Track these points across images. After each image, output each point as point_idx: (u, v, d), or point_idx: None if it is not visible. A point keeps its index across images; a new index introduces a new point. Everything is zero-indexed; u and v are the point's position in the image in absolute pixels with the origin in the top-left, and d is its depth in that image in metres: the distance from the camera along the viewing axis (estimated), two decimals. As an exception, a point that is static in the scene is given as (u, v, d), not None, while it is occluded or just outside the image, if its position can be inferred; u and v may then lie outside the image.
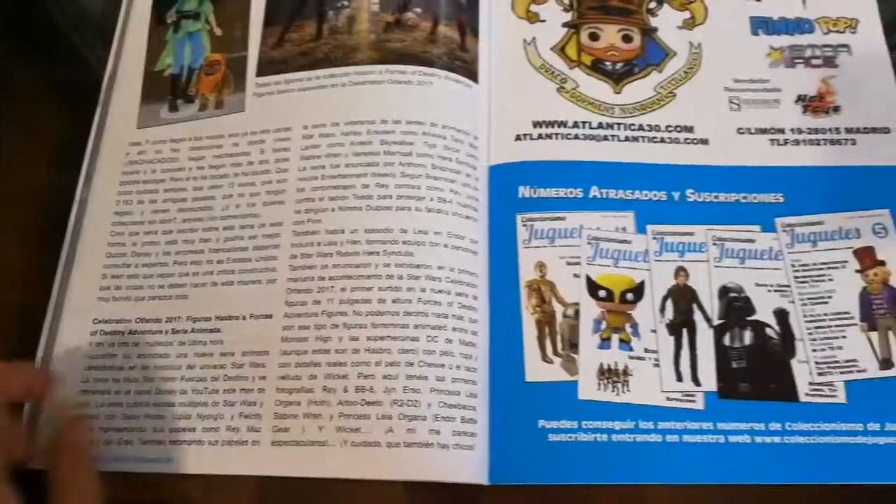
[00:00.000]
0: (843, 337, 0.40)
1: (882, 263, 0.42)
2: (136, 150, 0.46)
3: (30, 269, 0.44)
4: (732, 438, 0.38)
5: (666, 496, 0.38)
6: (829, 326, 0.41)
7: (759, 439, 0.38)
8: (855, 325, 0.41)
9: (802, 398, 0.39)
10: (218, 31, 0.49)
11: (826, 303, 0.41)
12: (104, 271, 0.43)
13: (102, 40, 0.50)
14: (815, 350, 0.40)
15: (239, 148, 0.45)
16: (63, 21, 0.53)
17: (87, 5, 0.54)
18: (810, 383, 0.39)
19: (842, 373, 0.39)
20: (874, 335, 0.40)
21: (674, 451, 0.38)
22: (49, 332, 0.42)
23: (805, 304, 0.41)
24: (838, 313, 0.41)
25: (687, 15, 0.49)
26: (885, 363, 0.40)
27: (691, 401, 0.39)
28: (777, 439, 0.38)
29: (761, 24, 0.49)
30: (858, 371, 0.39)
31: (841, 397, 0.39)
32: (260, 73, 0.47)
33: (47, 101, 0.50)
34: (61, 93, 0.50)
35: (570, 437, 0.38)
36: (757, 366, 0.40)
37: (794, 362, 0.40)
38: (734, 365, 0.40)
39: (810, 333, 0.40)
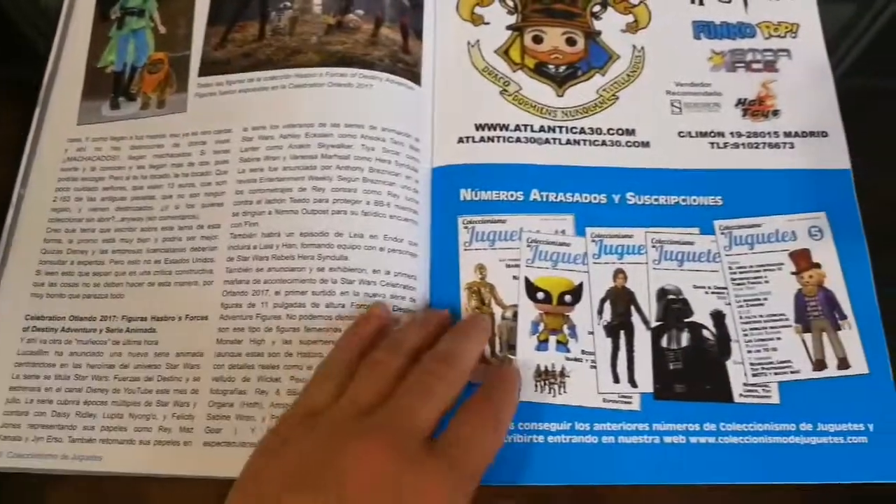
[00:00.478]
0: (778, 339, 0.41)
1: (817, 266, 0.42)
2: (75, 146, 0.45)
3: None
4: (668, 439, 0.38)
5: (623, 496, 0.38)
6: (765, 328, 0.41)
7: (693, 440, 0.38)
8: (790, 326, 0.41)
9: (737, 399, 0.39)
10: (162, 29, 0.49)
11: (762, 304, 0.42)
12: (39, 268, 0.43)
13: (33, 8, 0.50)
14: (750, 351, 0.41)
15: (180, 149, 0.44)
16: (14, 12, 0.53)
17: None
18: (745, 384, 0.40)
19: (776, 374, 0.40)
20: (808, 337, 0.41)
21: (609, 452, 0.38)
22: (-21, 327, 0.41)
23: (741, 306, 0.42)
24: (773, 315, 0.41)
25: (630, 18, 0.50)
26: (819, 364, 0.40)
27: (627, 402, 0.39)
28: (711, 439, 0.38)
29: (703, 29, 0.49)
30: (792, 372, 0.40)
31: (775, 398, 0.39)
32: (202, 73, 0.47)
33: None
34: (9, 87, 0.50)
35: (506, 439, 0.38)
36: (693, 367, 0.40)
37: (729, 363, 0.40)
38: (671, 366, 0.40)
39: (746, 335, 0.41)
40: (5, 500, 0.40)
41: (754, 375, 0.40)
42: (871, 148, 0.46)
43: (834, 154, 0.45)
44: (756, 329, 0.41)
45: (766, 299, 0.42)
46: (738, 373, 0.40)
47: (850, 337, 0.41)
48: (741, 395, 0.40)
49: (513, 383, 0.38)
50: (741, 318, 0.41)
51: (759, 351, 0.41)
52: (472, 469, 0.33)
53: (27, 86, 0.48)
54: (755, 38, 0.49)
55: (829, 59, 0.48)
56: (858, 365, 0.40)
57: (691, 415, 0.39)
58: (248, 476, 0.32)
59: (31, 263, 0.43)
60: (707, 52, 0.49)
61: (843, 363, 0.40)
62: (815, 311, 0.41)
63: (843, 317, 0.41)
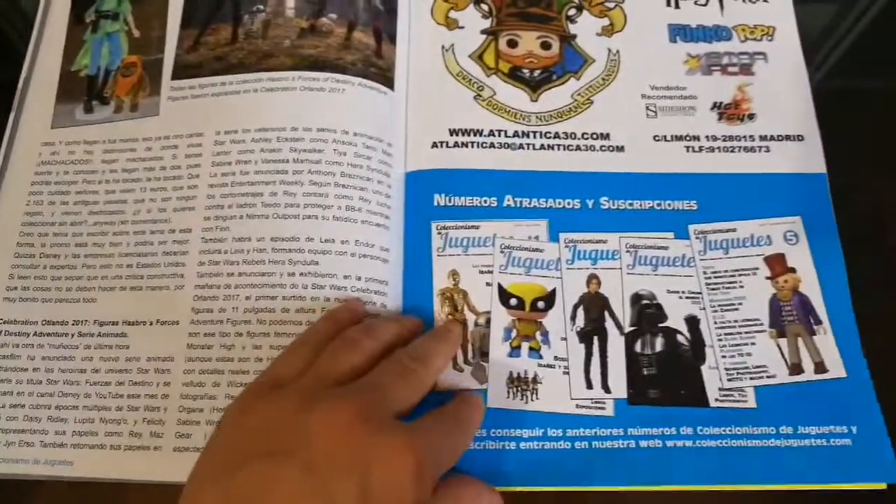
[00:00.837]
0: (753, 343, 0.41)
1: (792, 271, 0.42)
2: (48, 150, 0.45)
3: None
4: (643, 443, 0.38)
5: (605, 496, 0.38)
6: (739, 333, 0.41)
7: (670, 443, 0.38)
8: (764, 331, 0.41)
9: (713, 403, 0.39)
10: (136, 33, 0.48)
11: (737, 309, 0.42)
12: (11, 271, 0.43)
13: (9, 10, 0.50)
14: (724, 356, 0.41)
15: (152, 153, 0.44)
16: None
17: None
18: (720, 389, 0.40)
19: (751, 378, 0.40)
20: (783, 342, 0.41)
21: (583, 457, 0.38)
22: (-49, 331, 0.41)
23: (716, 311, 0.42)
24: (748, 320, 0.41)
25: (606, 22, 0.49)
26: (795, 368, 0.40)
27: (601, 408, 0.39)
28: (689, 443, 0.38)
29: (679, 32, 0.49)
30: (768, 377, 0.40)
31: (751, 402, 0.40)
32: (175, 76, 0.46)
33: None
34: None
35: (478, 446, 0.38)
36: (667, 372, 0.40)
37: (704, 368, 0.40)
38: (644, 372, 0.40)
39: (720, 340, 0.41)
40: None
41: (729, 380, 0.40)
42: (847, 152, 0.46)
43: (810, 158, 0.45)
44: (731, 334, 0.41)
45: (740, 304, 0.42)
46: (713, 377, 0.40)
47: (826, 342, 0.41)
48: (717, 399, 0.40)
49: (480, 406, 0.38)
50: (715, 323, 0.41)
51: (733, 356, 0.41)
52: (440, 458, 0.32)
53: (9, 88, 0.48)
54: (731, 41, 0.49)
55: (806, 62, 0.48)
56: (836, 369, 0.40)
57: (667, 419, 0.39)
58: (213, 446, 0.32)
59: (4, 267, 0.43)
60: (682, 55, 0.48)
61: (820, 367, 0.40)
62: (790, 316, 0.41)
63: (819, 321, 0.41)
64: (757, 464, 0.38)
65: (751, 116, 0.47)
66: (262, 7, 0.48)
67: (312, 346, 0.35)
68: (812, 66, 0.48)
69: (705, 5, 0.50)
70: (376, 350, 0.35)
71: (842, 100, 0.48)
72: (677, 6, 0.50)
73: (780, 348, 0.41)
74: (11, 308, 0.42)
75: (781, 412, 0.39)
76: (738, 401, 0.40)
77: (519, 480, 0.38)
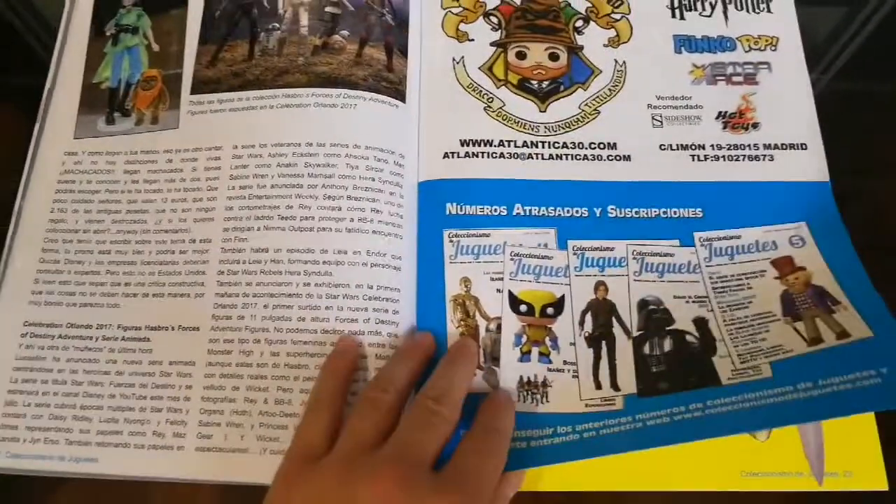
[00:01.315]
0: (767, 331, 0.41)
1: (802, 269, 0.43)
2: (72, 160, 0.47)
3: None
4: (651, 423, 0.39)
5: (608, 498, 0.40)
6: (752, 325, 0.41)
7: (678, 418, 0.38)
8: (778, 320, 0.41)
9: (725, 382, 0.40)
10: (155, 47, 0.50)
11: (746, 307, 0.42)
12: (37, 276, 0.44)
13: (32, 23, 0.52)
14: (737, 346, 0.41)
15: (172, 164, 0.46)
16: (14, 20, 0.54)
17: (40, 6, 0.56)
18: (732, 370, 0.40)
19: (766, 356, 0.40)
20: (800, 324, 0.41)
21: (591, 441, 0.39)
22: (-21, 333, 0.43)
23: (724, 311, 0.42)
24: (760, 314, 0.42)
25: (612, 33, 0.50)
26: (814, 341, 0.40)
27: (611, 404, 0.40)
28: (698, 414, 0.38)
29: (684, 42, 0.50)
30: (784, 352, 0.40)
31: (766, 373, 0.39)
32: (194, 90, 0.48)
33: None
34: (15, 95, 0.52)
35: None
36: (676, 366, 0.41)
37: (715, 359, 0.41)
38: (653, 370, 0.41)
39: (731, 334, 0.41)
40: (14, 502, 0.42)
41: (742, 363, 0.40)
42: (850, 160, 0.46)
43: (814, 166, 0.46)
44: (742, 328, 0.41)
45: (750, 302, 0.42)
46: (724, 364, 0.40)
47: (848, 316, 0.40)
48: (729, 378, 0.40)
49: (510, 409, 0.39)
50: (725, 321, 0.42)
51: (746, 344, 0.41)
52: (481, 496, 0.34)
53: (34, 95, 0.49)
54: (735, 52, 0.50)
55: (809, 72, 0.49)
56: (859, 332, 0.39)
57: (677, 401, 0.39)
58: None
59: (30, 272, 0.44)
60: (688, 65, 0.49)
61: (842, 334, 0.40)
62: (805, 304, 0.42)
63: (837, 302, 0.41)
64: (775, 411, 0.37)
65: (755, 125, 0.47)
66: (277, 25, 0.49)
67: (328, 408, 0.37)
68: (815, 75, 0.49)
69: (710, 16, 0.51)
70: (397, 403, 0.37)
71: (845, 108, 0.49)
72: (682, 17, 0.51)
73: (796, 330, 0.41)
74: (37, 311, 0.43)
75: (800, 375, 0.38)
76: (752, 376, 0.39)
77: (528, 464, 0.39)
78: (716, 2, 0.51)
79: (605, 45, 0.50)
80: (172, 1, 0.51)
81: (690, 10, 0.51)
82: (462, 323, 0.42)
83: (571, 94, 0.48)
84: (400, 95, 0.47)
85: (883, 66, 0.52)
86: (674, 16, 0.51)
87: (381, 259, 0.42)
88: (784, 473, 0.40)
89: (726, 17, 0.51)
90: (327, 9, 0.49)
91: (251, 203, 0.44)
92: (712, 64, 0.49)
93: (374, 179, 0.44)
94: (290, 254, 0.42)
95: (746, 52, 0.50)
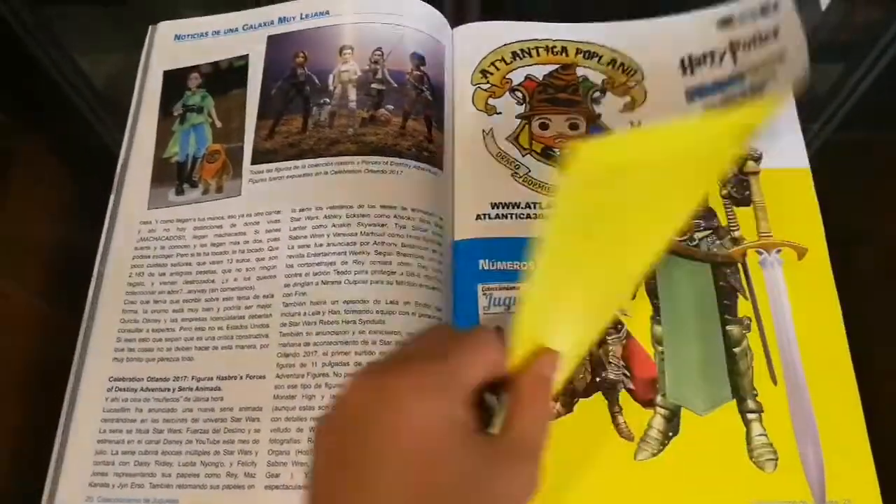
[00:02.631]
0: None
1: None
2: (146, 228, 0.52)
3: (53, 326, 0.52)
4: None
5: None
6: None
7: None
8: None
9: None
10: (218, 124, 0.56)
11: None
12: (118, 335, 0.49)
13: (106, 105, 0.58)
14: None
15: (236, 228, 0.51)
16: (63, 83, 0.60)
17: (89, 68, 0.62)
18: None
19: None
20: None
21: None
22: (72, 389, 0.48)
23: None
24: None
25: (628, 99, 0.55)
26: None
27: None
28: None
29: (697, 92, 0.54)
30: None
31: None
32: (254, 161, 0.53)
33: (55, 165, 0.58)
34: (69, 157, 0.59)
35: None
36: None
37: None
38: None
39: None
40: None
41: None
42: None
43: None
44: None
45: None
46: None
47: None
48: None
49: (553, 367, 0.34)
50: None
51: None
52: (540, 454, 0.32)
53: (89, 153, 0.56)
54: (745, 81, 0.52)
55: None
56: None
57: None
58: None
59: (112, 332, 0.49)
60: (700, 109, 0.53)
61: None
62: None
63: None
64: None
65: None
66: (328, 100, 0.54)
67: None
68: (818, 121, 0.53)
69: (720, 64, 0.54)
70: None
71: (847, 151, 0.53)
72: (692, 73, 0.55)
73: None
74: (120, 367, 0.48)
75: None
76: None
77: None
78: (724, 50, 0.54)
79: (620, 111, 0.54)
80: (233, 82, 0.57)
81: (700, 64, 0.55)
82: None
83: (590, 158, 0.53)
84: (439, 163, 0.52)
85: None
86: (685, 73, 0.55)
87: (426, 310, 0.47)
88: (789, 502, 0.43)
89: (735, 57, 0.53)
90: (373, 85, 0.54)
91: (309, 260, 0.49)
92: (722, 100, 0.52)
93: (419, 238, 0.49)
94: (346, 305, 0.47)
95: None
